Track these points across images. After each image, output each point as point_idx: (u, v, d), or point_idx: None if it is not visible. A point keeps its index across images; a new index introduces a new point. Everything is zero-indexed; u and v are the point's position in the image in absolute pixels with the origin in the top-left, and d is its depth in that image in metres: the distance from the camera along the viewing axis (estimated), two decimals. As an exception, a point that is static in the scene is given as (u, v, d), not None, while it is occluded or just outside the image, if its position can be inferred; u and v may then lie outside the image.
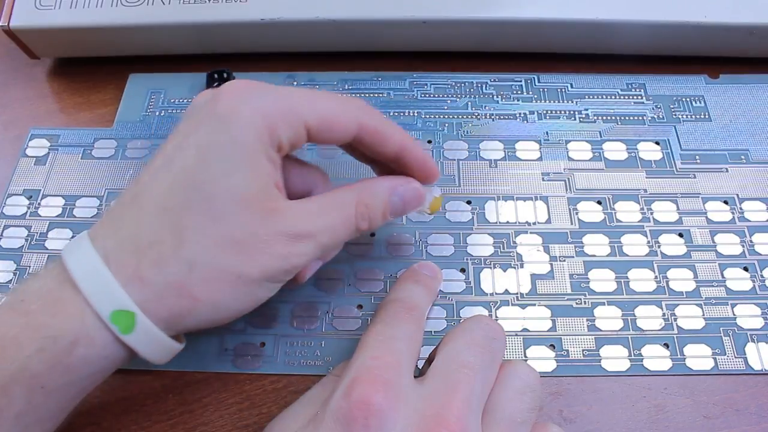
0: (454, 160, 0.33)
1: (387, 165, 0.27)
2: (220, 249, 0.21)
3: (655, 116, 0.34)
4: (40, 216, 0.32)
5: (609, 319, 0.28)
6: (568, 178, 0.32)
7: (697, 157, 0.33)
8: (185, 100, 0.36)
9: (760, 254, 0.30)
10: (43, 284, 0.21)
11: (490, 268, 0.30)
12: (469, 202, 0.32)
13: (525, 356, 0.27)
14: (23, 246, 0.31)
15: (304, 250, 0.23)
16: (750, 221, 0.31)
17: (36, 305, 0.21)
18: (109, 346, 0.21)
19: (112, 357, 0.21)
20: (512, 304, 0.29)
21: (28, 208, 0.33)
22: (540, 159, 0.33)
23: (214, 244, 0.21)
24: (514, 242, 0.30)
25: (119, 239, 0.21)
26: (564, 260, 0.30)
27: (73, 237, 0.31)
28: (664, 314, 0.28)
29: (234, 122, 0.22)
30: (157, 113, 0.36)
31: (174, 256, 0.21)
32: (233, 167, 0.22)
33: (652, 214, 0.31)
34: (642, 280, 0.29)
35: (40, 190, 0.33)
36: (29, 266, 0.31)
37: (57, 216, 0.32)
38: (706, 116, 0.34)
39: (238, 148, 0.22)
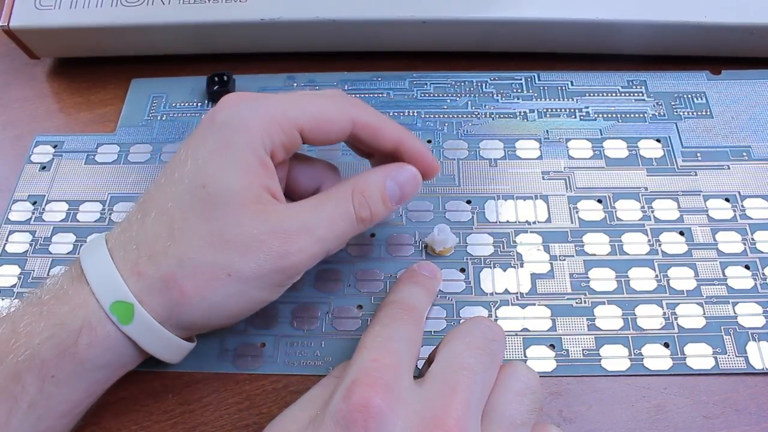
0: (454, 159, 0.33)
1: (386, 159, 0.27)
2: (209, 246, 0.22)
3: (656, 113, 0.34)
4: (45, 221, 0.33)
5: (609, 318, 0.28)
6: (569, 177, 0.32)
7: (698, 154, 0.33)
8: (186, 104, 0.37)
9: (762, 252, 0.30)
10: (58, 280, 0.23)
11: (490, 267, 0.30)
12: (468, 202, 0.32)
13: (525, 356, 0.27)
14: (28, 251, 0.32)
15: (302, 246, 0.23)
16: (752, 219, 0.31)
17: (48, 297, 0.23)
18: (111, 337, 0.22)
19: (118, 350, 0.23)
20: (512, 304, 0.29)
21: (33, 213, 0.33)
22: (540, 158, 0.33)
23: (204, 241, 0.22)
24: (514, 242, 0.30)
25: (125, 239, 0.23)
26: (564, 259, 0.30)
27: (76, 241, 0.32)
28: (664, 313, 0.28)
29: (228, 131, 0.23)
30: (159, 117, 0.36)
31: (166, 251, 0.23)
32: (226, 171, 0.23)
33: (652, 212, 0.31)
34: (642, 279, 0.29)
35: (45, 195, 0.34)
36: (33, 270, 0.31)
37: (61, 221, 0.33)
38: (708, 113, 0.34)
39: (231, 154, 0.23)
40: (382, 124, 0.26)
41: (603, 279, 0.29)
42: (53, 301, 0.22)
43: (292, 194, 0.28)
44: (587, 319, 0.28)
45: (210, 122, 0.24)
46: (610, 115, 0.34)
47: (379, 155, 0.27)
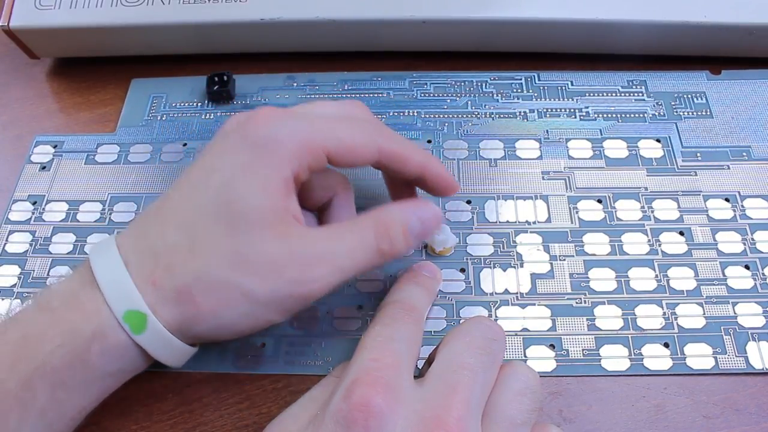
0: (454, 159, 0.33)
1: (406, 185, 0.28)
2: (228, 264, 0.22)
3: (656, 113, 0.34)
4: (44, 221, 0.33)
5: (609, 318, 0.28)
6: (569, 177, 0.32)
7: (698, 154, 0.33)
8: (186, 104, 0.37)
9: (762, 252, 0.30)
10: (68, 284, 0.23)
11: (490, 267, 0.30)
12: (468, 202, 0.32)
13: (525, 356, 0.27)
14: (27, 251, 0.32)
15: (320, 275, 0.23)
16: (751, 219, 0.31)
17: (59, 303, 0.22)
18: (122, 346, 0.22)
19: (128, 357, 0.23)
20: (512, 304, 0.29)
21: (33, 213, 0.33)
22: (540, 158, 0.33)
23: (224, 259, 0.22)
24: (514, 242, 0.30)
25: (141, 247, 0.23)
26: (564, 259, 0.30)
27: (76, 241, 0.32)
28: (664, 313, 0.28)
29: (260, 150, 0.23)
30: (159, 117, 0.36)
31: (184, 264, 0.22)
32: (254, 191, 0.22)
33: (652, 212, 0.31)
34: (642, 279, 0.29)
35: (45, 195, 0.34)
36: (33, 271, 0.31)
37: (61, 221, 0.33)
38: (708, 113, 0.34)
39: (262, 173, 0.23)
40: (407, 153, 0.26)
41: (603, 279, 0.29)
42: (64, 308, 0.22)
43: (304, 204, 0.28)
44: (587, 319, 0.28)
45: (242, 137, 0.23)
46: (610, 115, 0.34)
47: (403, 180, 0.27)
